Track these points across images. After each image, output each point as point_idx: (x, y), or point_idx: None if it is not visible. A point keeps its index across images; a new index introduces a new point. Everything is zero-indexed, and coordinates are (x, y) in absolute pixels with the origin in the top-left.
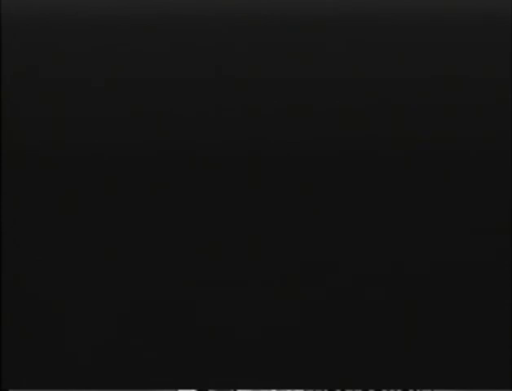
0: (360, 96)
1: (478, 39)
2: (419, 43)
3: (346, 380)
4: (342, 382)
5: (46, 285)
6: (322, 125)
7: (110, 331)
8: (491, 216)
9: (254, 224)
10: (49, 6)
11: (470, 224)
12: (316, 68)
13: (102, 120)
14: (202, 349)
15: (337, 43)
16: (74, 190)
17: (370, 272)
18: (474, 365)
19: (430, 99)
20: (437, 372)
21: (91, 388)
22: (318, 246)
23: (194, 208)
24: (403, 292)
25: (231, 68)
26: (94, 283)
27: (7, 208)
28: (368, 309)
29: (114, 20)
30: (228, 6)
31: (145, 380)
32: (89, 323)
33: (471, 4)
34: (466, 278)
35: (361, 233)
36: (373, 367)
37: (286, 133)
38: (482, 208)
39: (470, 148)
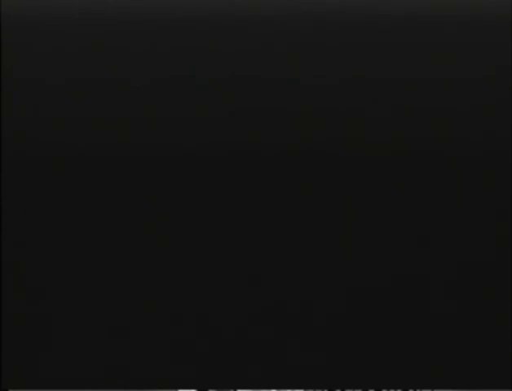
0: (360, 96)
1: (478, 39)
2: (419, 43)
3: (346, 380)
4: (342, 382)
5: (46, 285)
6: (322, 124)
7: (110, 331)
8: (491, 216)
9: (254, 224)
10: (49, 6)
11: (470, 224)
12: (316, 67)
13: (102, 120)
14: (202, 348)
15: (337, 43)
16: (74, 190)
17: (370, 272)
18: (474, 365)
19: (430, 99)
20: (437, 372)
21: (91, 388)
22: (318, 246)
23: (194, 208)
24: (404, 291)
25: (230, 68)
26: (94, 283)
27: (7, 208)
28: (369, 309)
29: (114, 20)
30: (228, 6)
31: (145, 380)
32: (89, 323)
33: (471, 4)
34: (466, 278)
35: (361, 233)
36: (373, 367)
37: (286, 133)
38: (482, 209)
39: (470, 149)
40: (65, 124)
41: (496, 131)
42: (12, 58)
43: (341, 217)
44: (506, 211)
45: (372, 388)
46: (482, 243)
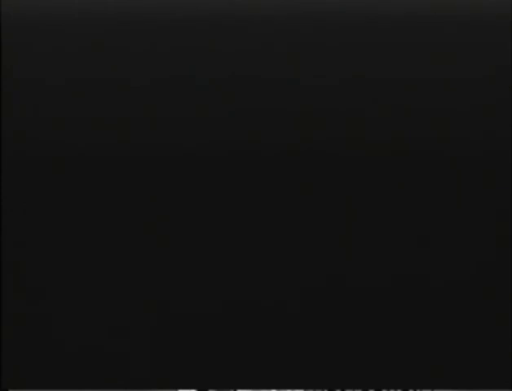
0: (360, 96)
1: (478, 39)
2: (419, 43)
3: (346, 379)
4: (342, 382)
5: (46, 285)
6: (322, 124)
7: (110, 331)
8: (491, 216)
9: (254, 224)
10: (49, 6)
11: (470, 224)
12: (316, 67)
13: (102, 120)
14: (202, 348)
15: (337, 43)
16: (74, 190)
17: (370, 272)
18: (474, 365)
19: (430, 99)
20: (437, 372)
21: (91, 388)
22: (318, 246)
23: (194, 208)
24: (404, 291)
25: (230, 68)
26: (94, 283)
27: (7, 208)
28: (369, 309)
29: (114, 20)
30: (228, 6)
31: (145, 380)
32: (89, 323)
33: (471, 4)
34: (466, 278)
35: (361, 233)
36: (373, 367)
37: (286, 133)
38: (482, 209)
39: (470, 149)
40: (65, 124)
41: (496, 131)
42: (12, 58)
43: (341, 217)
44: (506, 211)
45: (372, 388)
46: (482, 243)
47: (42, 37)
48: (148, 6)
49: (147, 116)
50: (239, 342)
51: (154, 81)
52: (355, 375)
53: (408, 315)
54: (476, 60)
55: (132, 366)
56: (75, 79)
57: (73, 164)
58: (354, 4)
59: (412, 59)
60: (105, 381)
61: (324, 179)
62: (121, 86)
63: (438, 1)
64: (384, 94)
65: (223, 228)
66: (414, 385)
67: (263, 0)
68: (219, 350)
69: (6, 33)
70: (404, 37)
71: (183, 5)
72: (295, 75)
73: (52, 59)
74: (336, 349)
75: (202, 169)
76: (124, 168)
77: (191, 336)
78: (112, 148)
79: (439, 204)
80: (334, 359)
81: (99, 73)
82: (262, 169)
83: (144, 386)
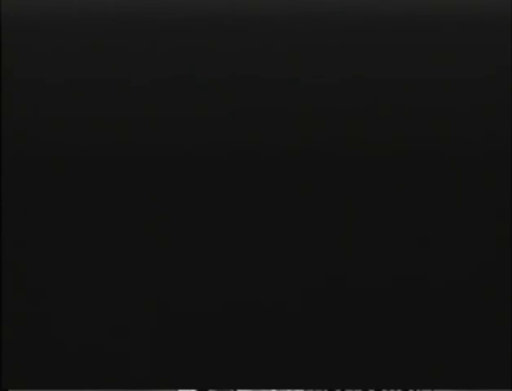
0: (360, 96)
1: (478, 39)
2: (419, 43)
3: (346, 380)
4: (342, 382)
5: (46, 285)
6: (322, 124)
7: (110, 331)
8: (491, 216)
9: (254, 224)
10: (49, 6)
11: (470, 224)
12: (316, 67)
13: (102, 120)
14: (202, 348)
15: (337, 43)
16: (74, 190)
17: (370, 272)
18: (474, 365)
19: (430, 99)
20: (437, 372)
21: (91, 388)
22: (318, 246)
23: (194, 208)
24: (404, 291)
25: (230, 68)
26: (94, 283)
27: (7, 208)
28: (369, 309)
29: (114, 20)
30: (228, 6)
31: (145, 380)
32: (89, 323)
33: (471, 4)
34: (466, 278)
35: (361, 233)
36: (373, 367)
37: (286, 133)
38: (482, 209)
39: (470, 149)
40: (65, 124)
41: (496, 131)
42: (12, 58)
43: (341, 217)
44: (506, 211)
45: (372, 388)
46: (482, 243)
47: (42, 37)
48: (148, 6)
49: (147, 116)
50: (239, 342)
51: (154, 81)
52: (355, 375)
53: (408, 315)
54: (476, 60)
55: (132, 366)
56: (75, 79)
57: (73, 164)
58: (354, 4)
59: (412, 59)
60: (105, 381)
61: (324, 179)
62: (121, 86)
63: (438, 1)
64: (384, 94)
65: (223, 228)
66: (414, 385)
67: (263, 0)
68: (219, 350)
69: (6, 33)
70: (404, 37)
71: (183, 5)
72: (295, 75)
73: (52, 59)
74: (336, 349)
75: (202, 169)
76: (124, 168)
77: (191, 336)
78: (112, 148)
79: (439, 204)
80: (334, 359)
81: (99, 73)
82: (262, 169)
83: (144, 386)
